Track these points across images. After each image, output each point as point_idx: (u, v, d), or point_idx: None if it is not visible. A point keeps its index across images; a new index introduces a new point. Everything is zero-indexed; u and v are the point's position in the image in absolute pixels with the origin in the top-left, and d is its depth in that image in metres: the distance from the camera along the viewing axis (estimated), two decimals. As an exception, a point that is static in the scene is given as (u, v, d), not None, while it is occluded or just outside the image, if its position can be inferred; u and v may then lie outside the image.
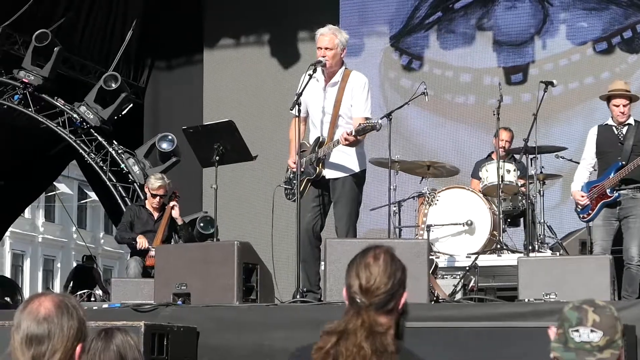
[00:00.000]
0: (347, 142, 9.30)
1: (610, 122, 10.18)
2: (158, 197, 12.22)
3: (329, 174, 9.55)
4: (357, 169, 9.59)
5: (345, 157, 9.52)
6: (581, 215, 10.34)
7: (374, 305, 3.89)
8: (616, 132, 10.11)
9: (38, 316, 3.44)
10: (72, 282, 18.91)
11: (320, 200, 9.62)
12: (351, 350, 3.76)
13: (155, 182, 12.35)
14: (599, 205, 10.03)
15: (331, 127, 9.55)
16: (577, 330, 3.71)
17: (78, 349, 3.49)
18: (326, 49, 9.46)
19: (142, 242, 11.91)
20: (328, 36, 9.53)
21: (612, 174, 9.97)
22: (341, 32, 9.66)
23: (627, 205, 9.93)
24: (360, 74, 9.83)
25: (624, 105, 10.05)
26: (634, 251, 9.81)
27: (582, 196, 10.14)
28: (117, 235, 13.05)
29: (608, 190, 9.96)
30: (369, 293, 3.91)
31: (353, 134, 9.25)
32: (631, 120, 10.12)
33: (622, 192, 9.92)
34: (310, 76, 9.37)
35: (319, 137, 9.59)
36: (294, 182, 9.55)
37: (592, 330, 3.71)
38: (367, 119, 9.48)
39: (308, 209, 9.53)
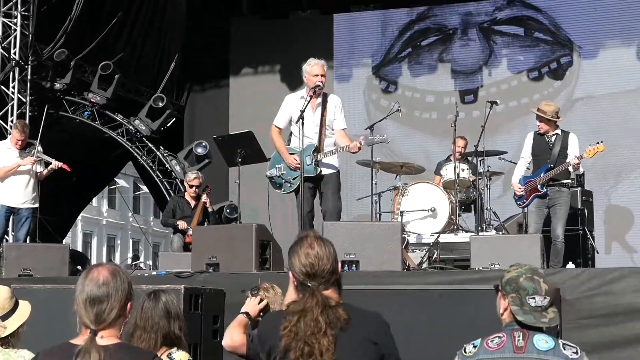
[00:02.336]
0: (354, 151, 9.31)
1: (541, 130, 10.16)
2: (194, 188, 12.25)
3: (324, 171, 9.50)
4: (338, 167, 9.54)
5: (333, 158, 9.46)
6: (518, 203, 10.33)
7: (322, 285, 3.75)
8: (547, 140, 10.07)
9: (98, 282, 3.42)
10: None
11: (312, 192, 9.54)
12: (309, 324, 3.64)
13: (191, 175, 12.45)
14: (531, 196, 10.01)
15: (321, 137, 9.45)
16: (533, 298, 3.75)
17: (129, 305, 3.49)
18: (322, 75, 9.42)
19: (182, 224, 12.00)
20: (319, 66, 9.49)
21: (542, 174, 9.94)
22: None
23: (554, 196, 9.92)
24: (336, 96, 9.82)
25: (540, 121, 10.04)
26: (559, 231, 9.82)
27: (520, 188, 10.12)
28: (162, 220, 13.18)
29: (539, 186, 9.93)
30: (316, 277, 3.75)
31: (362, 144, 9.26)
32: (558, 131, 10.07)
33: (549, 187, 9.90)
34: (311, 97, 9.31)
35: (312, 144, 9.43)
36: (280, 178, 9.50)
37: (544, 297, 3.74)
38: (344, 129, 9.48)
39: (307, 199, 9.48)
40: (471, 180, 11.62)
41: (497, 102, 11.53)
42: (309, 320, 3.64)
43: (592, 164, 12.24)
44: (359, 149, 9.29)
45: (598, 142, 9.79)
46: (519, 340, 3.69)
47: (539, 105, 10.24)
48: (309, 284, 3.75)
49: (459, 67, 15.72)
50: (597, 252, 11.71)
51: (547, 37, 15.34)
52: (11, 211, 11.41)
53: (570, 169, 9.91)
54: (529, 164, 10.27)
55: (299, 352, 3.62)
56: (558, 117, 10.03)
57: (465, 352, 3.78)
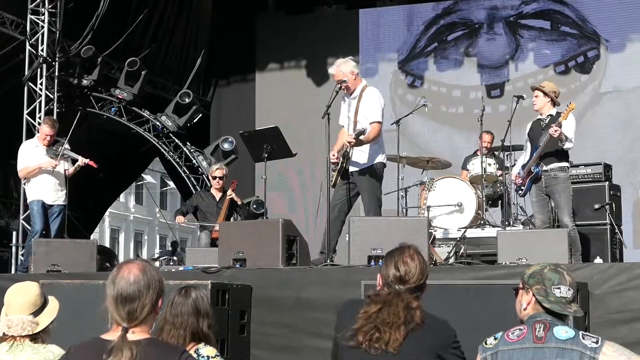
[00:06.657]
0: (350, 144, 9.23)
1: (540, 115, 10.09)
2: (218, 179, 12.21)
3: (350, 168, 9.48)
4: (368, 164, 9.43)
5: (359, 154, 9.39)
6: (517, 192, 10.25)
7: (408, 290, 4.01)
8: (541, 124, 9.99)
9: (129, 280, 3.41)
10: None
11: (347, 187, 9.52)
12: (391, 315, 3.87)
13: (213, 166, 12.57)
14: (527, 181, 9.88)
15: (353, 131, 9.45)
16: (558, 288, 3.81)
17: (160, 301, 3.49)
18: (336, 81, 9.40)
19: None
20: (333, 70, 9.45)
21: (534, 155, 9.85)
22: (346, 63, 9.43)
23: (550, 184, 9.74)
24: (373, 88, 9.64)
25: (535, 97, 9.98)
26: (566, 220, 9.57)
27: (516, 177, 10.05)
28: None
29: (532, 167, 9.82)
30: (404, 282, 4.02)
31: (353, 136, 9.17)
32: (553, 111, 9.96)
33: (543, 169, 9.76)
34: (337, 92, 9.30)
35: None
36: (332, 172, 9.54)
37: (568, 289, 3.78)
38: (379, 122, 9.35)
39: (337, 194, 9.48)
40: (498, 175, 11.57)
41: (524, 96, 11.42)
42: (392, 311, 3.88)
43: (620, 158, 12.18)
44: (351, 143, 9.19)
45: (568, 104, 9.72)
46: (539, 331, 3.72)
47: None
48: (396, 286, 4.02)
49: (485, 61, 15.67)
50: (625, 247, 11.62)
51: (573, 31, 15.26)
52: (46, 207, 11.54)
53: (559, 142, 9.68)
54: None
55: (368, 337, 3.86)
56: (556, 96, 9.94)
57: (486, 344, 3.82)
